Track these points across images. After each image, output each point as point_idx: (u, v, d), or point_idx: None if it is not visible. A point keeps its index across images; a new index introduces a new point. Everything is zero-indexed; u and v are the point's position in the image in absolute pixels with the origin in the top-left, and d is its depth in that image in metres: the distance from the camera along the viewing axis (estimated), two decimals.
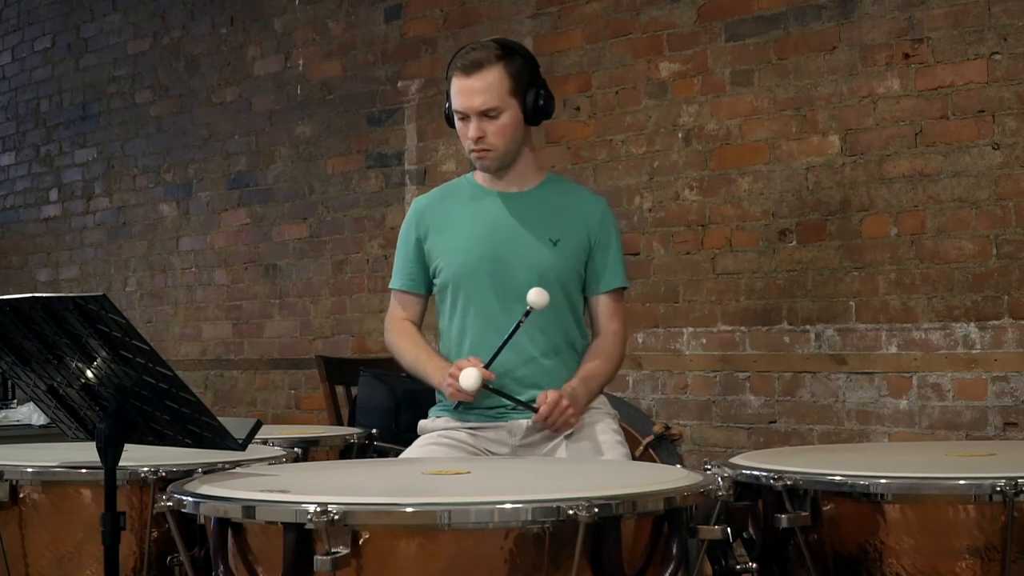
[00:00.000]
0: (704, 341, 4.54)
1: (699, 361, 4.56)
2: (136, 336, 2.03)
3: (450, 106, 2.93)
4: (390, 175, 5.66)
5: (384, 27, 5.69)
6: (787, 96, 4.34)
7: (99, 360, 2.11)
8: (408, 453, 2.91)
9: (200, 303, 6.59)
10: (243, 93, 6.35)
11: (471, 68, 2.86)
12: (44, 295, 2.05)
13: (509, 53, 2.89)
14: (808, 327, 4.28)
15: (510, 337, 2.79)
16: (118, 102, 7.09)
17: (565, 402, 2.77)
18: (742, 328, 4.45)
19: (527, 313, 2.76)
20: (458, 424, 2.91)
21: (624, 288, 3.03)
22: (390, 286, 3.10)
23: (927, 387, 4.02)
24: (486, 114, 2.86)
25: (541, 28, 5.02)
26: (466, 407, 2.90)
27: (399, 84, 5.61)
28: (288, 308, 6.12)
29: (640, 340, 4.69)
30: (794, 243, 4.33)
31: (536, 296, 2.75)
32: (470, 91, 2.86)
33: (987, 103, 3.91)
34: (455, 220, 2.98)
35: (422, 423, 3.00)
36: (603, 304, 2.99)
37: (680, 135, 4.62)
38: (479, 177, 3.02)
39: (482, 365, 2.76)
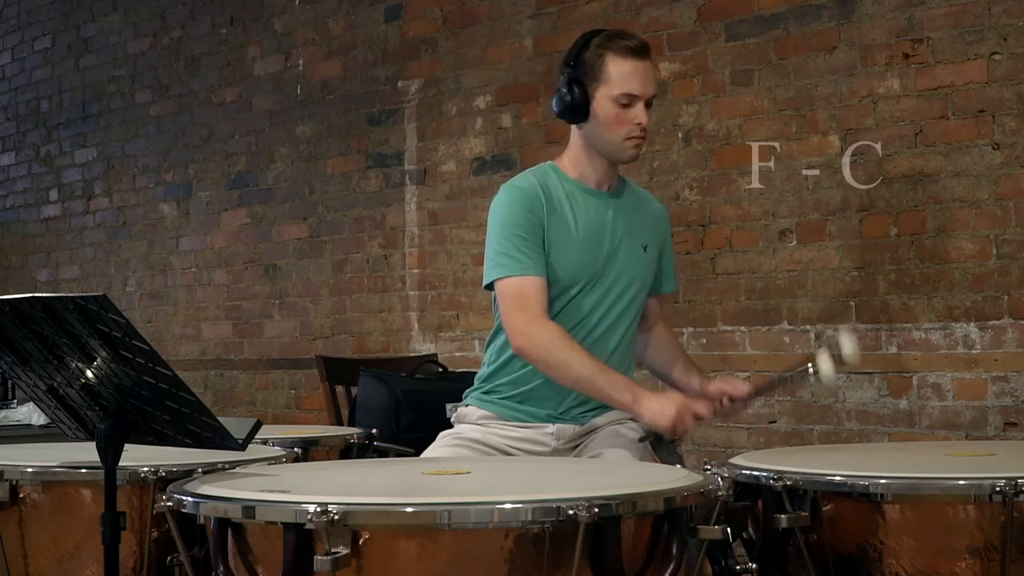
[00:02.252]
0: (704, 341, 4.54)
1: (699, 361, 4.51)
2: (136, 336, 2.03)
3: (578, 93, 2.76)
4: (390, 175, 5.66)
5: (384, 27, 5.69)
6: (787, 96, 4.34)
7: (99, 360, 2.11)
8: (430, 450, 2.88)
9: (200, 303, 6.59)
10: (243, 93, 6.35)
11: (645, 52, 2.78)
12: (44, 295, 2.05)
13: None
14: (808, 327, 4.28)
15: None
16: (118, 102, 7.09)
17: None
18: (742, 328, 4.46)
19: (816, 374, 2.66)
20: (497, 420, 2.86)
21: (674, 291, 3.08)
22: (514, 273, 2.72)
23: (927, 387, 4.02)
24: (649, 101, 2.79)
25: (541, 28, 5.03)
26: (511, 405, 2.86)
27: (399, 84, 5.61)
28: (288, 308, 6.12)
29: None
30: (794, 243, 4.33)
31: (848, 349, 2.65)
32: (647, 74, 2.77)
33: (987, 103, 3.91)
34: (563, 214, 2.81)
35: (461, 411, 2.93)
36: (658, 306, 3.02)
37: (680, 135, 4.62)
38: (568, 171, 2.87)
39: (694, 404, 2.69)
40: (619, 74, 2.75)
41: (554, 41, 4.97)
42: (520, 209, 2.76)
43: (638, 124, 2.76)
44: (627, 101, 2.75)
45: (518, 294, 2.73)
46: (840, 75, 4.21)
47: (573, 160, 2.88)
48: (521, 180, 2.84)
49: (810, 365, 2.63)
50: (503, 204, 2.80)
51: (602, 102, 2.76)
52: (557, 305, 2.81)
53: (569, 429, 2.85)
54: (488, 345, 2.94)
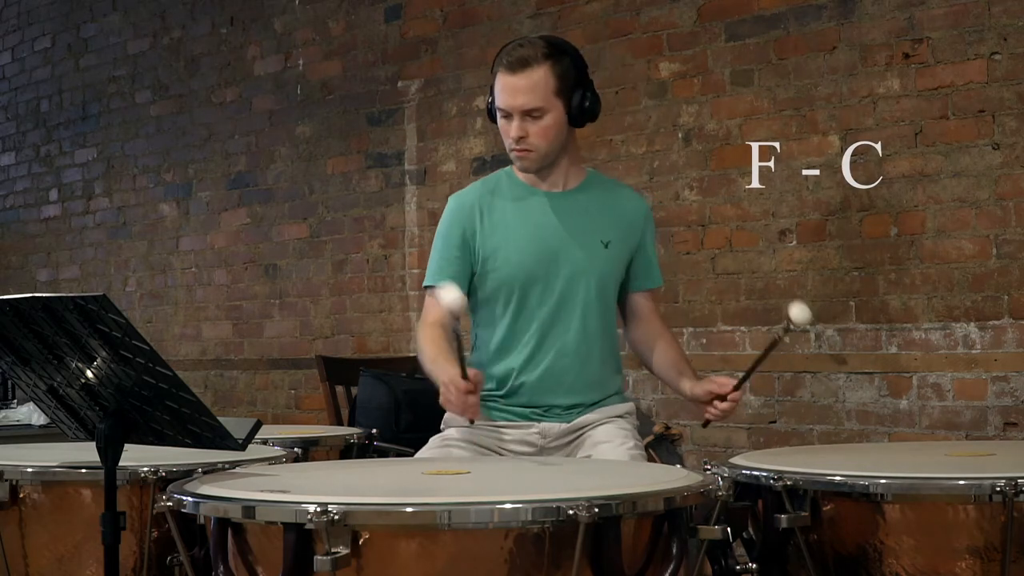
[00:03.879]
0: (704, 341, 4.54)
1: (699, 361, 4.54)
2: (136, 336, 2.03)
3: (493, 101, 2.87)
4: (390, 175, 5.66)
5: (384, 27, 5.69)
6: (787, 96, 4.34)
7: (99, 360, 2.11)
8: (423, 453, 2.89)
9: (200, 303, 6.59)
10: (243, 93, 6.35)
11: (516, 66, 2.79)
12: (44, 295, 2.05)
13: (557, 52, 2.82)
14: (808, 327, 4.28)
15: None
16: (118, 102, 7.09)
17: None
18: (742, 328, 4.46)
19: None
20: (484, 421, 2.88)
21: (660, 287, 3.06)
22: (426, 284, 2.94)
23: (927, 387, 4.02)
24: (529, 114, 2.79)
25: (541, 28, 5.02)
26: (495, 406, 2.89)
27: (399, 84, 5.62)
28: (288, 308, 6.12)
29: None
30: (794, 243, 4.33)
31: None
32: (513, 89, 2.79)
33: (987, 103, 3.91)
34: (505, 220, 2.90)
35: (448, 415, 2.95)
36: (646, 301, 3.01)
37: (680, 135, 4.62)
38: (521, 174, 2.94)
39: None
40: (497, 87, 2.84)
41: None
42: (450, 223, 2.94)
43: (511, 137, 2.83)
44: (503, 114, 2.83)
45: (428, 301, 2.90)
46: (840, 75, 4.21)
47: None
48: (464, 192, 2.99)
49: (782, 330, 2.60)
50: (444, 215, 2.98)
51: (496, 112, 2.87)
52: (513, 304, 2.87)
53: (555, 428, 2.86)
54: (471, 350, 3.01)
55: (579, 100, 2.84)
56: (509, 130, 2.83)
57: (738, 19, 4.46)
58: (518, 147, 2.83)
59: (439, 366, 2.69)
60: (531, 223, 2.89)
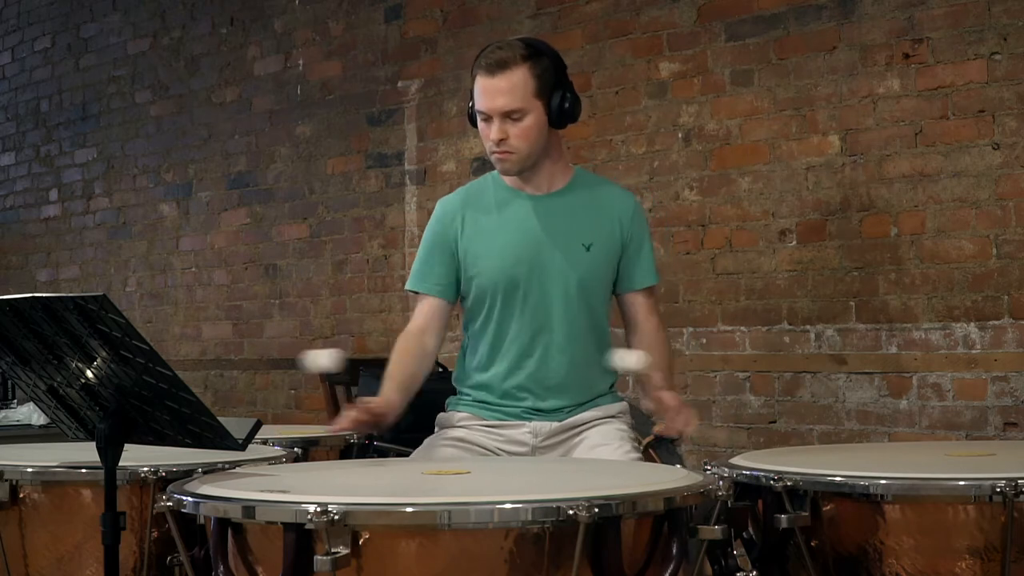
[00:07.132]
0: (704, 341, 4.54)
1: (699, 361, 4.56)
2: (136, 336, 2.03)
3: (473, 105, 2.85)
4: (390, 175, 5.66)
5: (384, 27, 5.70)
6: (787, 96, 4.34)
7: (99, 360, 2.11)
8: (419, 453, 2.90)
9: (200, 303, 6.59)
10: (243, 93, 6.35)
11: (495, 68, 2.78)
12: (44, 295, 2.05)
13: (535, 53, 2.81)
14: (808, 327, 4.28)
15: None
16: (118, 102, 7.09)
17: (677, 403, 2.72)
18: (742, 328, 4.46)
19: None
20: (477, 420, 2.90)
21: (655, 284, 3.01)
22: (410, 288, 2.98)
23: (927, 387, 4.02)
24: (508, 116, 2.78)
25: (541, 28, 5.02)
26: (487, 406, 2.90)
27: (399, 84, 5.62)
28: (288, 308, 6.12)
29: None
30: (794, 243, 4.33)
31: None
32: (493, 91, 2.78)
33: (987, 103, 3.91)
34: (487, 225, 2.90)
35: (441, 416, 2.98)
36: (640, 301, 2.96)
37: (680, 135, 4.62)
38: (505, 178, 2.93)
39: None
40: (476, 90, 2.82)
41: (554, 41, 4.92)
42: (438, 228, 2.95)
43: (491, 140, 2.82)
44: (483, 117, 2.82)
45: (416, 308, 2.99)
46: (840, 75, 4.21)
47: None
48: (450, 196, 3.01)
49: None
50: (430, 219, 2.99)
51: (476, 116, 2.86)
52: (497, 309, 2.88)
53: (546, 426, 2.86)
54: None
55: (559, 101, 2.82)
56: (489, 133, 2.81)
57: (738, 19, 4.46)
58: (499, 149, 2.82)
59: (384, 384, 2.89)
60: (512, 228, 2.89)
